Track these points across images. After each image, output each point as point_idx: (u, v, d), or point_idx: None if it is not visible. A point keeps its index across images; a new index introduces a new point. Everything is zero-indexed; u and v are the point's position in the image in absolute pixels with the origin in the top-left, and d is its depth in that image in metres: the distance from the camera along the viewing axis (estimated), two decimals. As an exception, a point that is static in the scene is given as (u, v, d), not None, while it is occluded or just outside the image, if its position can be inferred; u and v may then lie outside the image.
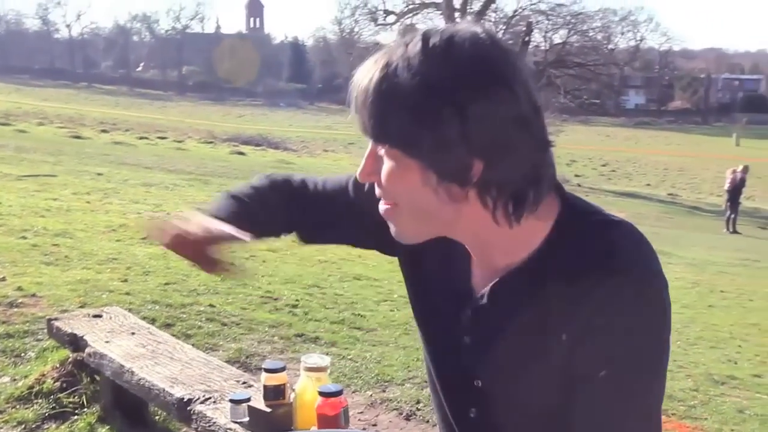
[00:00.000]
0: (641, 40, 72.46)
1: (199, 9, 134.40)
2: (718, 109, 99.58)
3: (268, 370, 2.20)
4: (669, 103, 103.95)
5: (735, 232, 19.72)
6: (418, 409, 3.60)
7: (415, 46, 1.05)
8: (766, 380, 5.31)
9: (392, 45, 1.09)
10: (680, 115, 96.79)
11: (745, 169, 20.23)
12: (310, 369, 2.03)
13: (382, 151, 1.09)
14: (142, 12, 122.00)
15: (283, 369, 2.21)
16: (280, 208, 1.50)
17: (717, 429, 4.10)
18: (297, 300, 5.37)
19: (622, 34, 43.96)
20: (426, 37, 1.06)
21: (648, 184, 36.70)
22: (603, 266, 1.08)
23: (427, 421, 3.49)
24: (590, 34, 35.99)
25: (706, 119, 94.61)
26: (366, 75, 1.07)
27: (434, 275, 1.33)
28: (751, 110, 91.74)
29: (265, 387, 2.19)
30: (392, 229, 1.17)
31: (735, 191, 19.76)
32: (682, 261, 11.55)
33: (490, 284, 1.21)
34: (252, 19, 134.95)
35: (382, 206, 1.14)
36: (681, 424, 4.06)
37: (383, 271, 7.14)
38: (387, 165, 1.09)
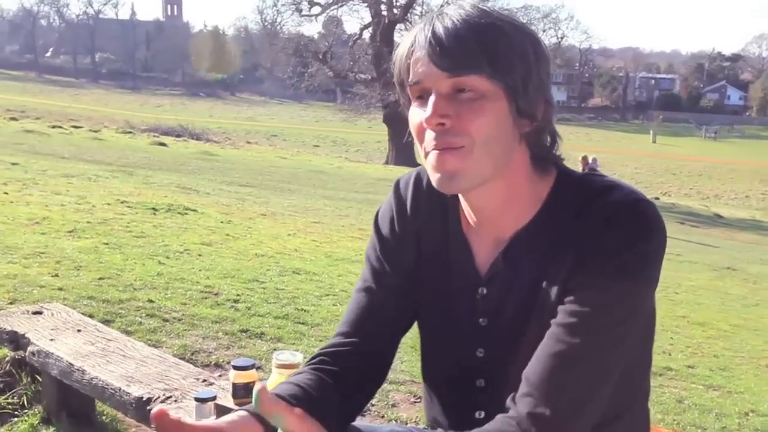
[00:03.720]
0: (562, 38, 74.33)
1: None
2: (635, 106, 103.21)
3: (237, 368, 2.12)
4: (589, 100, 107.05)
5: None
6: (372, 405, 3.55)
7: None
8: (699, 371, 5.46)
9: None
10: (600, 111, 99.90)
11: (595, 160, 20.51)
12: (282, 366, 1.96)
13: (465, 90, 1.16)
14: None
15: (252, 366, 2.14)
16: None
17: (659, 419, 4.17)
18: (238, 295, 5.23)
19: (544, 31, 44.67)
20: None
21: (569, 180, 37.50)
22: (603, 199, 1.20)
23: (383, 416, 3.44)
24: (513, 31, 36.47)
25: (624, 116, 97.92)
26: (452, 16, 1.16)
27: (438, 272, 1.39)
28: (667, 108, 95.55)
29: (234, 385, 2.11)
30: (444, 174, 1.19)
31: None
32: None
33: (501, 250, 1.30)
34: (169, 7, 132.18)
35: (446, 149, 1.18)
36: (626, 415, 4.12)
37: (321, 266, 7.07)
38: (475, 96, 1.16)
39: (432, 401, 1.45)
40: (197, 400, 2.16)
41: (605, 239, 1.16)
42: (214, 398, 2.14)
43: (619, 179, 1.28)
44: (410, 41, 1.21)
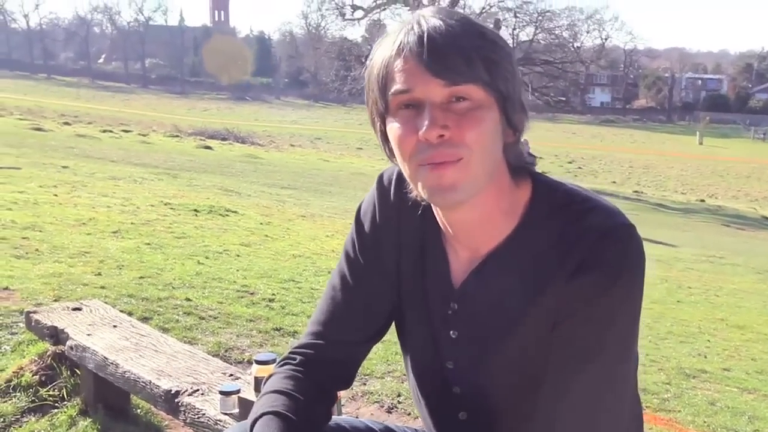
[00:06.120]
0: (606, 39, 73.45)
1: (162, 1, 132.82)
2: (681, 107, 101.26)
3: (259, 362, 2.20)
4: (634, 102, 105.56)
5: None
6: (399, 402, 3.61)
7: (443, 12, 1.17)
8: (734, 374, 5.40)
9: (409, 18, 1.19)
10: (645, 113, 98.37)
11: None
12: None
13: (461, 99, 1.12)
14: (103, 3, 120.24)
15: (273, 361, 2.20)
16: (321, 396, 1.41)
17: (690, 421, 4.16)
18: (273, 294, 5.35)
19: (588, 32, 44.40)
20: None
21: (614, 182, 37.10)
22: (580, 228, 1.17)
23: (409, 414, 3.49)
24: (556, 32, 36.28)
25: (670, 118, 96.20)
26: (438, 24, 1.12)
27: (415, 279, 1.37)
28: (714, 109, 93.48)
29: (256, 378, 2.19)
30: (442, 188, 1.14)
31: None
32: (651, 258, 11.72)
33: (474, 268, 1.27)
34: (217, 12, 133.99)
35: (445, 162, 1.13)
36: (655, 417, 4.12)
37: (357, 266, 7.13)
38: (471, 107, 1.13)
39: (420, 402, 1.44)
40: (221, 393, 2.26)
41: (593, 275, 1.15)
42: (237, 392, 2.24)
43: (592, 193, 1.24)
44: (394, 46, 1.15)
